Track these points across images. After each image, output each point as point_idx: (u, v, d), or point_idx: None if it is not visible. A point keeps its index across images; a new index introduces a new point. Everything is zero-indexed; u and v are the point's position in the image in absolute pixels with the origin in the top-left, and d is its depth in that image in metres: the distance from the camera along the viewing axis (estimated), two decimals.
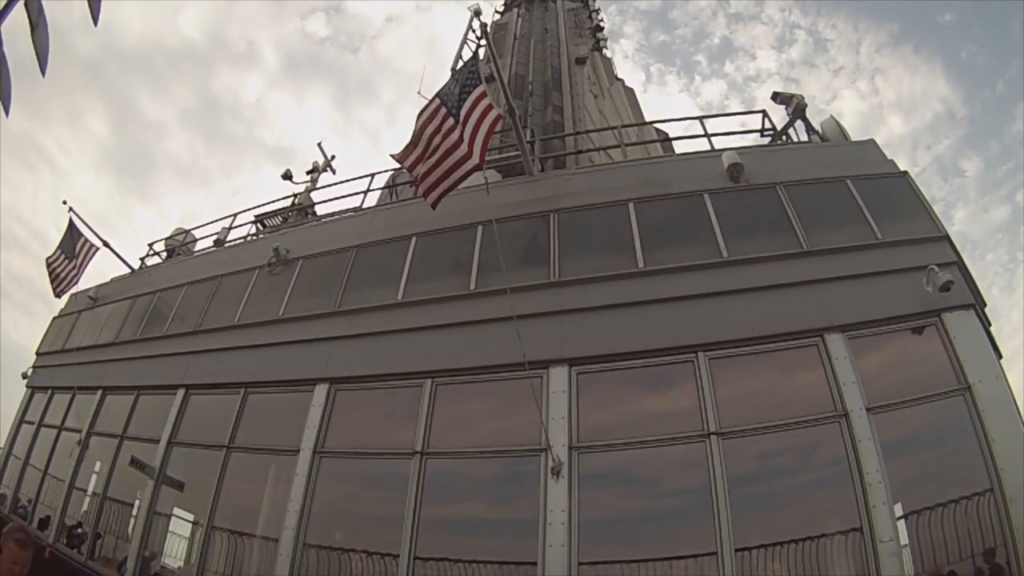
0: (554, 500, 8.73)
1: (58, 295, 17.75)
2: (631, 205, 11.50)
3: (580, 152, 16.95)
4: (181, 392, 13.18)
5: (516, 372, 9.77)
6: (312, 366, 11.60)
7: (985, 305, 9.83)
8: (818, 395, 8.77)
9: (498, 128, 10.96)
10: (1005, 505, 7.55)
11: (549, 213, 11.83)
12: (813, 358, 9.07)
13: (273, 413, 12.03)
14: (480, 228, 11.86)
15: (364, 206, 15.99)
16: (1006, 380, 8.53)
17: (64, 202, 17.58)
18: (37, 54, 7.55)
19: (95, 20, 7.07)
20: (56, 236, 17.83)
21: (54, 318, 20.21)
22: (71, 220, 17.68)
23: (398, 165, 10.88)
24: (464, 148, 9.99)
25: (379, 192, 17.10)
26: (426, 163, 10.11)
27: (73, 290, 18.23)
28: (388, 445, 10.53)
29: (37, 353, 19.38)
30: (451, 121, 10.13)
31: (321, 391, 11.12)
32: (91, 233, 17.84)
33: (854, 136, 12.87)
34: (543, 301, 10.59)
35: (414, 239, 12.60)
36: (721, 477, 8.35)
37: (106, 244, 18.11)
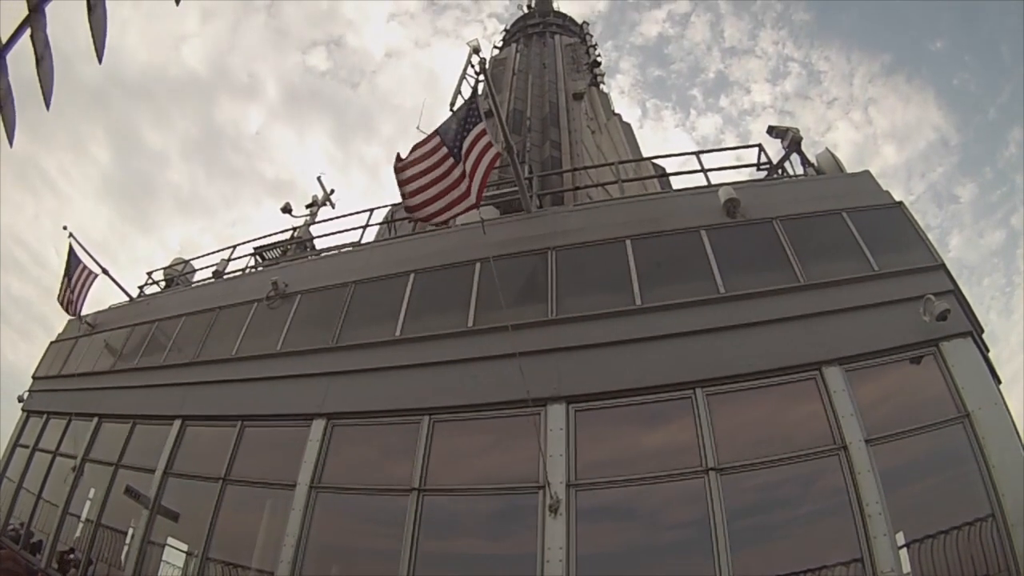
0: (552, 537, 8.69)
1: (69, 313, 18.03)
2: (628, 242, 11.60)
3: (578, 188, 17.11)
4: (178, 423, 13.16)
5: (514, 409, 9.84)
6: (309, 401, 11.59)
7: (983, 331, 9.89)
8: (817, 428, 8.78)
9: (497, 165, 11.11)
10: (1007, 531, 7.55)
11: (547, 251, 11.94)
12: (811, 391, 9.08)
13: (270, 447, 12.01)
14: (478, 265, 11.94)
15: (363, 241, 16.12)
16: (1005, 406, 8.58)
17: (64, 227, 17.74)
18: (42, 87, 7.66)
19: (100, 58, 7.17)
20: (56, 261, 18.12)
21: (51, 342, 20.17)
22: (71, 246, 17.83)
23: (396, 200, 11.02)
24: (463, 186, 10.15)
25: (377, 227, 17.27)
26: (426, 191, 10.27)
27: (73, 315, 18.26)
28: (385, 481, 10.48)
29: (34, 377, 19.30)
30: (451, 160, 10.30)
31: (318, 426, 11.10)
32: (90, 260, 17.98)
33: (849, 167, 13.03)
34: (541, 339, 10.62)
35: (412, 275, 12.68)
36: (720, 511, 8.33)
37: (105, 272, 18.23)
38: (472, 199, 10.21)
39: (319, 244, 18.67)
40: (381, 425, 11.01)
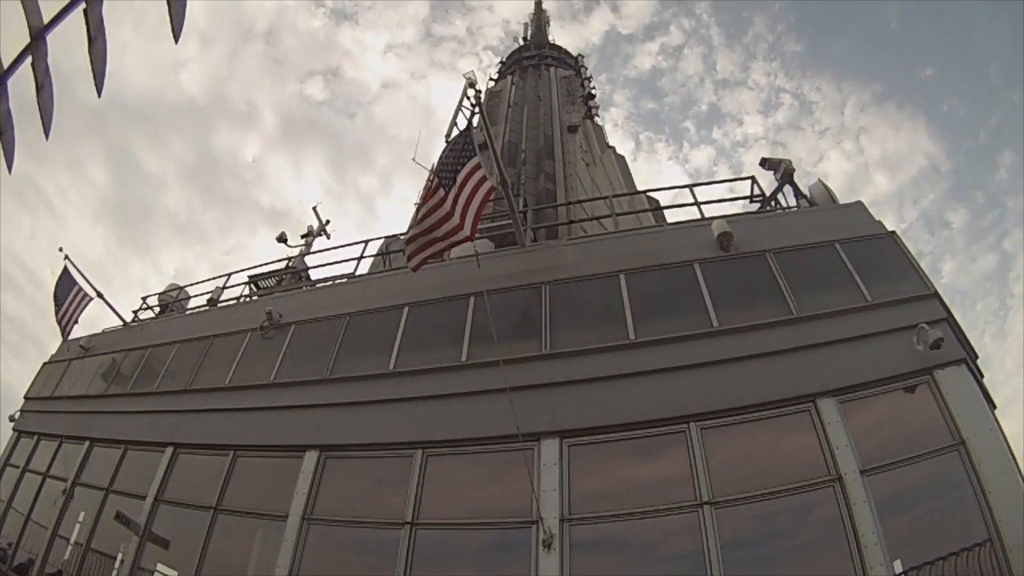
0: (545, 572, 8.68)
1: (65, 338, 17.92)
2: (622, 276, 11.67)
3: (572, 222, 17.27)
4: (170, 450, 13.11)
5: (507, 444, 9.79)
6: (302, 432, 11.62)
7: (977, 357, 9.97)
8: (811, 460, 8.79)
9: (491, 199, 11.22)
10: (1005, 555, 7.57)
11: (541, 285, 12.01)
12: (805, 423, 9.11)
13: (262, 477, 11.96)
14: (472, 299, 12.01)
15: (357, 273, 16.23)
16: (1001, 431, 8.64)
17: (60, 249, 17.75)
18: (42, 117, 7.68)
19: (99, 91, 7.23)
20: (52, 282, 17.94)
21: (44, 363, 20.09)
22: (65, 268, 17.80)
23: (391, 233, 11.10)
24: (456, 219, 10.25)
25: (372, 259, 17.37)
26: (416, 228, 10.39)
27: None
28: (378, 515, 10.41)
29: (26, 397, 19.22)
30: (442, 192, 10.42)
31: (311, 458, 11.09)
32: (85, 283, 17.92)
33: (841, 197, 13.16)
34: (534, 373, 10.65)
35: (407, 309, 12.75)
36: (715, 545, 8.32)
37: (100, 295, 18.17)
38: (466, 232, 10.29)
39: (314, 275, 18.74)
40: (374, 458, 11.02)
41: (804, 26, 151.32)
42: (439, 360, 11.66)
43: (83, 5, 6.64)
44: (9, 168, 8.43)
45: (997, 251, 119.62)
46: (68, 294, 17.52)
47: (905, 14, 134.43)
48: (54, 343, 19.02)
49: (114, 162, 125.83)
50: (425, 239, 10.21)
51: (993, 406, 9.36)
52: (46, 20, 7.12)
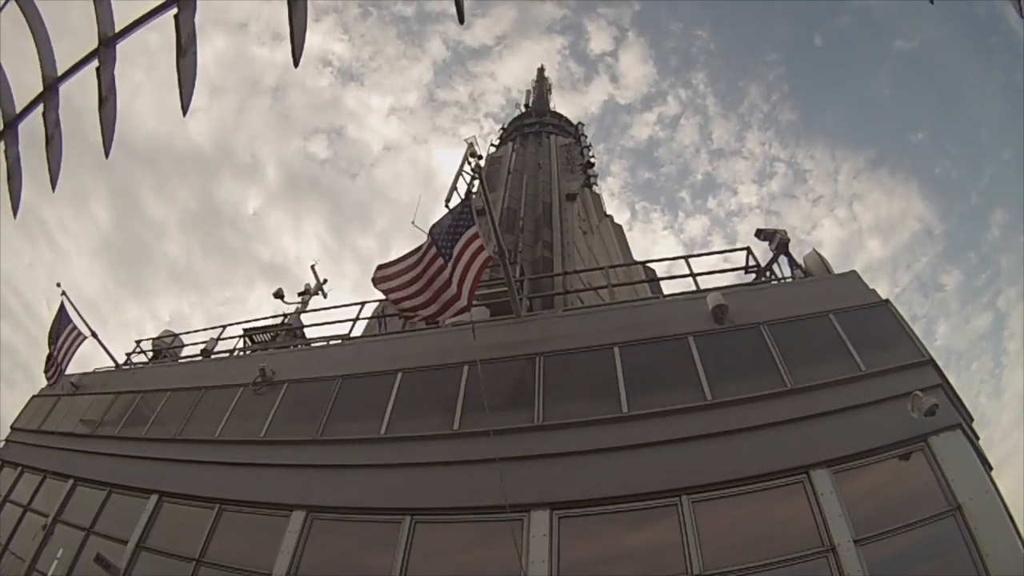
0: None
1: (53, 383, 18.00)
2: (616, 349, 11.76)
3: (568, 292, 17.49)
4: (154, 497, 13.07)
5: (497, 514, 9.75)
6: (290, 492, 11.58)
7: (972, 420, 10.05)
8: (804, 531, 8.74)
9: (488, 268, 11.44)
10: None
11: (535, 356, 12.11)
12: (798, 494, 9.08)
13: (247, 533, 11.88)
14: (466, 368, 12.07)
15: (352, 334, 16.36)
16: (997, 493, 8.64)
17: (58, 284, 17.93)
18: (49, 168, 7.58)
19: (107, 153, 7.32)
20: (47, 314, 18.05)
21: (33, 396, 20.14)
22: (62, 304, 17.96)
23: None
24: (453, 289, 10.49)
25: (367, 321, 17.55)
26: (418, 295, 10.63)
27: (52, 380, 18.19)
28: None
29: (13, 428, 19.21)
30: (440, 261, 10.68)
31: (298, 518, 11.05)
32: (81, 321, 18.08)
33: (835, 264, 13.34)
34: (526, 444, 10.73)
35: (400, 374, 12.81)
36: None
37: (94, 335, 18.34)
38: (463, 302, 10.51)
39: (309, 333, 18.96)
40: (362, 522, 10.94)
41: (798, 94, 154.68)
42: (431, 428, 11.73)
43: (95, 64, 6.89)
44: (15, 212, 8.55)
45: (991, 310, 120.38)
46: (63, 331, 17.62)
47: (897, 79, 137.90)
48: (44, 375, 18.97)
49: (118, 202, 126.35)
50: (430, 310, 10.45)
51: (989, 467, 9.40)
52: (60, 72, 7.38)
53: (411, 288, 10.79)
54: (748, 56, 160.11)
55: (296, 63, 5.74)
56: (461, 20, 5.25)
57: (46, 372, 17.75)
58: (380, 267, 11.17)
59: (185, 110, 6.40)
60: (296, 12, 5.72)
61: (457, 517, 10.38)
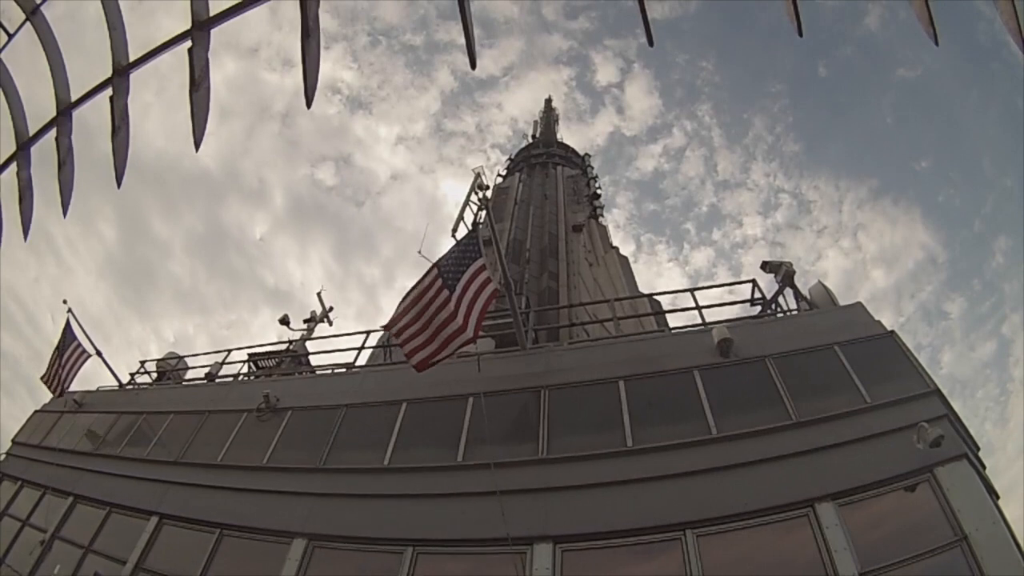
0: None
1: (57, 396, 17.99)
2: (621, 383, 11.75)
3: (574, 325, 17.56)
4: (155, 519, 13.09)
5: (500, 547, 9.76)
6: (292, 519, 11.55)
7: (978, 449, 9.99)
8: (809, 565, 8.66)
9: (494, 302, 11.49)
10: None
11: (540, 389, 12.12)
12: (803, 527, 8.99)
13: (248, 559, 11.80)
14: (471, 400, 12.11)
15: (357, 363, 16.44)
16: (1005, 522, 8.54)
17: (64, 301, 18.10)
18: (61, 193, 7.70)
19: (119, 183, 7.30)
20: (51, 328, 18.30)
21: (36, 411, 20.31)
22: (68, 321, 18.07)
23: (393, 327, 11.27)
24: (459, 320, 10.53)
25: (371, 350, 17.62)
26: (421, 334, 10.67)
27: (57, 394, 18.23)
28: None
29: (14, 441, 19.32)
30: (446, 293, 10.73)
31: (299, 545, 11.02)
32: (86, 339, 18.17)
33: (839, 294, 13.33)
34: (530, 477, 10.70)
35: (404, 405, 12.84)
36: None
37: (99, 354, 18.40)
38: (469, 333, 10.52)
39: (314, 360, 19.07)
40: (363, 551, 10.87)
41: (802, 125, 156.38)
42: (435, 459, 11.74)
43: (109, 92, 6.92)
44: (25, 235, 8.55)
45: (996, 337, 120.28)
46: (67, 348, 17.70)
47: (899, 107, 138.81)
48: (45, 388, 19.03)
49: (124, 221, 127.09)
50: (434, 345, 10.48)
51: (996, 496, 9.30)
52: (74, 98, 7.45)
53: (416, 327, 10.80)
54: (753, 87, 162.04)
55: (309, 104, 5.78)
56: (473, 66, 5.33)
57: (45, 380, 17.74)
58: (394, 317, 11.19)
59: (198, 144, 6.41)
60: (309, 52, 5.80)
61: (459, 549, 10.35)
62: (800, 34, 4.65)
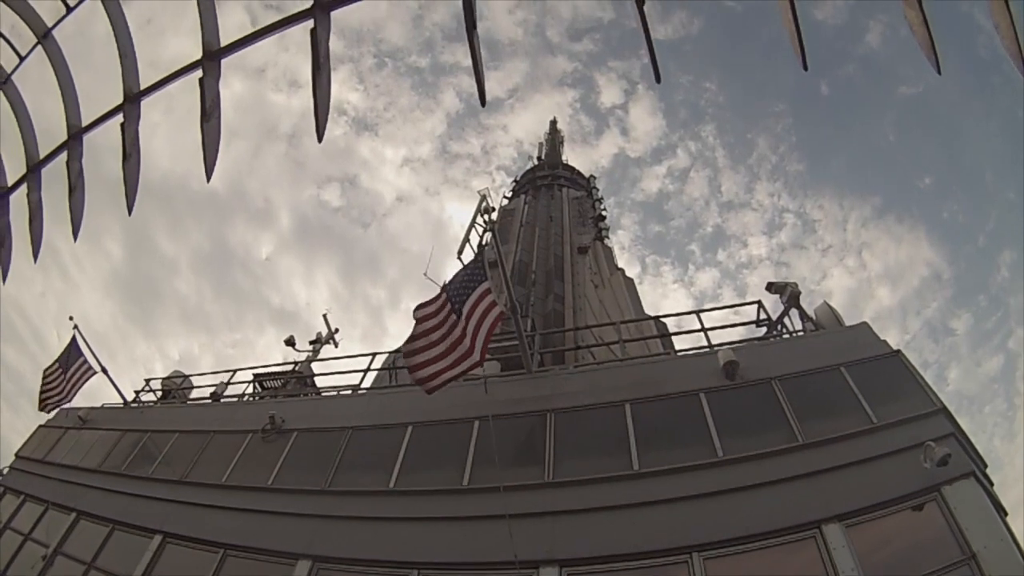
0: None
1: (43, 409, 17.94)
2: (627, 406, 11.73)
3: (579, 348, 17.55)
4: (158, 538, 13.05)
5: (506, 570, 9.73)
6: (296, 541, 11.54)
7: (986, 466, 9.95)
8: None
9: (500, 324, 11.47)
10: None
11: (546, 412, 12.13)
12: (810, 549, 8.95)
13: None
14: (477, 423, 12.12)
15: (363, 385, 16.49)
16: (1013, 539, 8.51)
17: (70, 318, 18.18)
18: (72, 217, 7.71)
19: (130, 210, 7.27)
20: (55, 343, 18.30)
21: (40, 426, 20.23)
22: (74, 337, 18.12)
23: (397, 347, 11.31)
24: (466, 344, 10.57)
25: (376, 372, 17.69)
26: (430, 356, 10.71)
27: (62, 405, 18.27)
28: None
29: (17, 455, 19.26)
30: (454, 317, 10.78)
31: (303, 567, 11.01)
32: (91, 356, 18.22)
33: (844, 313, 13.32)
34: (536, 501, 10.66)
35: (410, 428, 12.85)
36: None
37: (104, 371, 18.45)
38: (475, 358, 10.56)
39: (320, 382, 19.09)
40: (368, 574, 10.84)
41: (806, 144, 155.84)
42: (440, 482, 11.73)
43: (120, 119, 6.93)
44: (35, 256, 8.50)
45: (1002, 352, 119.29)
46: (72, 364, 17.73)
47: (901, 124, 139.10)
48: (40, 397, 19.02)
49: (131, 238, 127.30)
50: (439, 365, 10.52)
51: (1004, 513, 9.26)
52: (85, 123, 7.47)
53: (421, 351, 10.83)
54: (756, 107, 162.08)
55: (320, 138, 5.80)
56: (483, 103, 5.35)
57: (43, 396, 17.74)
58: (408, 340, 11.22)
59: (209, 175, 6.38)
60: (320, 86, 5.83)
61: (465, 572, 10.30)
62: (805, 68, 4.69)
